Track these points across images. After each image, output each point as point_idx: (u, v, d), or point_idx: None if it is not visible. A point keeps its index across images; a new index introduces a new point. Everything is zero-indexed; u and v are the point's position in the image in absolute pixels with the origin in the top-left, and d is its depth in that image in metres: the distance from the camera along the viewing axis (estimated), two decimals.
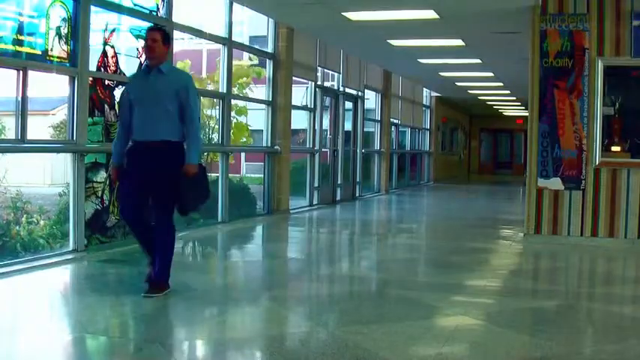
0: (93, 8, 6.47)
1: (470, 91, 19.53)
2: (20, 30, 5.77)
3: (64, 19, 6.17)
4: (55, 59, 6.12)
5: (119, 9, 6.91)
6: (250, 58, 11.00)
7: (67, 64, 6.25)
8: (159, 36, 4.90)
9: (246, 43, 10.48)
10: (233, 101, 9.65)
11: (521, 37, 9.03)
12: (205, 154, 9.91)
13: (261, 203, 10.42)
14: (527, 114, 8.52)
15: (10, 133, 6.23)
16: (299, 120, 11.65)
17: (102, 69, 6.71)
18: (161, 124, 4.78)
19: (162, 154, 4.79)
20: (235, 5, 9.02)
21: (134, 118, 4.87)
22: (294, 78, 10.74)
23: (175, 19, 7.73)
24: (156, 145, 4.79)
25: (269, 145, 10.34)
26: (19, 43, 5.76)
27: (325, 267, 6.98)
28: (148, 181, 4.80)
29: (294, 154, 11.31)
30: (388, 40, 11.07)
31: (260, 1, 8.90)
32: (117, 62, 6.88)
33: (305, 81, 11.71)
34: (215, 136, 9.60)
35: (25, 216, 6.89)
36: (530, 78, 8.10)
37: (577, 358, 3.84)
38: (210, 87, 10.26)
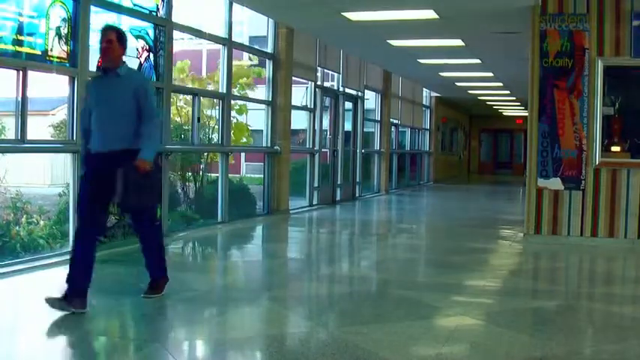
0: (93, 8, 6.47)
1: (470, 91, 19.53)
2: (20, 30, 5.77)
3: (64, 19, 6.16)
4: (55, 59, 6.11)
5: (119, 9, 6.90)
6: (250, 58, 11.00)
7: (67, 64, 6.25)
8: (114, 36, 4.63)
9: (246, 43, 10.48)
10: (233, 101, 9.65)
11: (521, 37, 9.03)
12: (205, 154, 9.92)
13: (261, 203, 10.42)
14: (527, 114, 8.51)
15: (10, 133, 6.23)
16: (299, 120, 11.65)
17: None
18: (122, 132, 4.56)
19: (121, 163, 4.48)
20: (235, 5, 9.01)
21: (93, 125, 4.63)
22: (294, 78, 10.74)
23: (175, 19, 7.72)
24: (118, 155, 4.52)
25: (269, 145, 10.34)
26: (19, 43, 5.76)
27: (325, 267, 6.98)
28: (111, 191, 4.49)
29: (294, 154, 11.31)
30: (388, 40, 11.07)
31: (260, 1, 8.90)
32: None
33: (305, 81, 11.71)
34: (215, 136, 9.60)
35: (25, 216, 6.89)
36: (530, 78, 8.10)
37: (577, 358, 3.84)
38: (211, 87, 10.26)
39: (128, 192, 4.46)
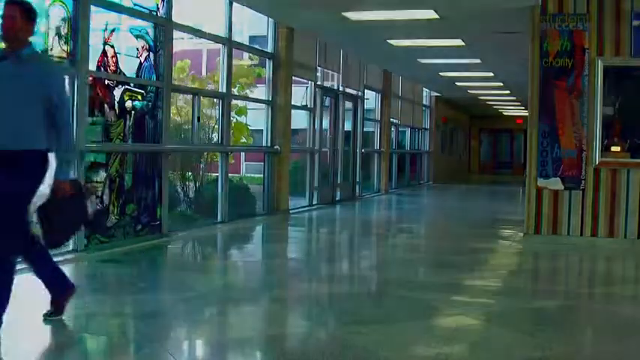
0: (93, 8, 6.47)
1: (470, 91, 19.53)
2: None
3: (63, 19, 6.16)
4: (55, 59, 6.11)
5: (119, 9, 6.91)
6: (250, 58, 11.00)
7: (67, 64, 6.24)
8: (17, 11, 3.75)
9: (246, 42, 10.48)
10: (233, 101, 9.65)
11: (521, 37, 9.02)
12: (205, 153, 9.92)
13: (260, 203, 10.42)
14: (527, 114, 8.51)
15: None
16: (299, 120, 11.65)
17: (102, 69, 6.70)
18: (19, 128, 3.76)
19: (20, 167, 3.77)
20: (235, 5, 9.01)
21: None
22: (294, 78, 10.74)
23: (175, 18, 7.72)
24: (12, 156, 3.76)
25: (269, 145, 10.34)
26: None
27: (325, 267, 6.98)
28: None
29: (294, 154, 11.31)
30: (388, 40, 11.07)
31: (260, 1, 8.90)
32: (117, 62, 6.88)
33: (305, 81, 11.70)
34: (215, 136, 9.60)
35: None
36: (530, 78, 8.10)
37: (577, 358, 3.84)
38: (211, 87, 10.26)
39: (51, 225, 3.93)
